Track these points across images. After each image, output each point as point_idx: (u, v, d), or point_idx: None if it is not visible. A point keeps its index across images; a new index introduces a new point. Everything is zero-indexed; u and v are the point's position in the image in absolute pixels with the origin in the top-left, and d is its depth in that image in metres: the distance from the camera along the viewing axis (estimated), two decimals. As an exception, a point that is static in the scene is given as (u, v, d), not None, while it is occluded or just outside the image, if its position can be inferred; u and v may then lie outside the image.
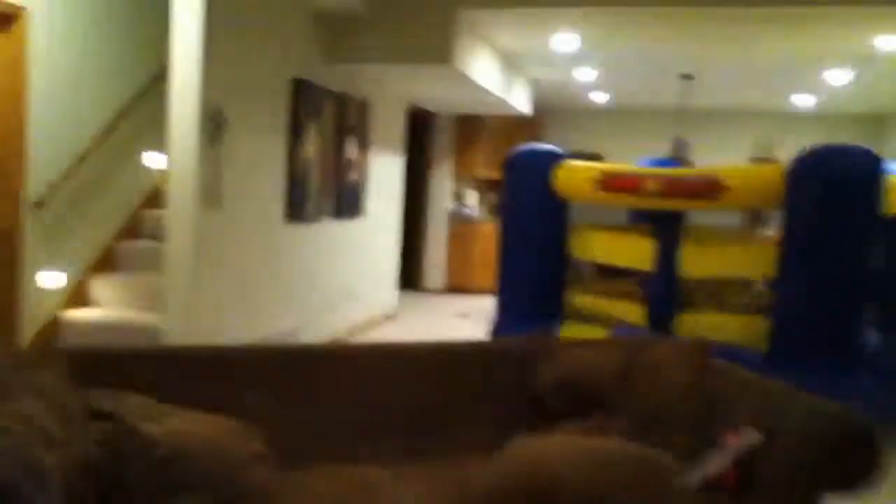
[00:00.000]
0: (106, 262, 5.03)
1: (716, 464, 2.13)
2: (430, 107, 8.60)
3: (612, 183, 4.58)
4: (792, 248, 4.09)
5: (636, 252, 4.73)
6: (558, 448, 2.14)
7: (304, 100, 5.19)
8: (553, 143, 5.64)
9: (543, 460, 2.03)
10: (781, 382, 2.43)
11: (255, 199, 4.75)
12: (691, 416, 2.37)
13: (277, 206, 5.03)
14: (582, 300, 4.99)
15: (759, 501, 2.08)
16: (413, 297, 8.70)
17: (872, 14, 4.82)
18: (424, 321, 7.42)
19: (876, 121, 10.18)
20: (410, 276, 9.17)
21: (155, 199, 5.40)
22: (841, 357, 4.08)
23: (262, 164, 4.81)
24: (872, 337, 4.56)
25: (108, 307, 4.84)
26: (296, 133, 5.13)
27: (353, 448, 2.38)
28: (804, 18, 5.04)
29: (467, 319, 7.34)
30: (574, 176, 4.84)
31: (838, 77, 7.22)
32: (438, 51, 5.38)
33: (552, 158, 4.99)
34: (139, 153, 5.37)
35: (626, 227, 5.11)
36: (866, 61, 6.46)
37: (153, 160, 5.44)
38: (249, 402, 2.35)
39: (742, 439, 2.15)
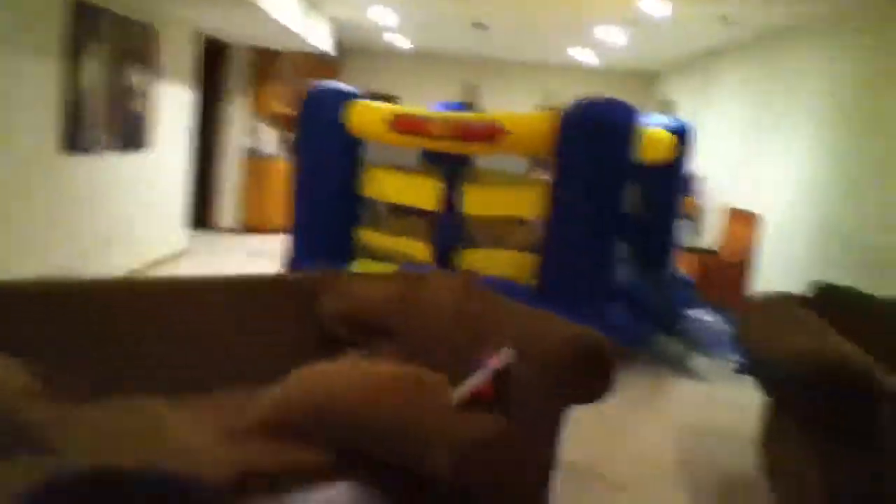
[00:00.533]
0: None
1: (477, 380, 2.39)
2: (225, 38, 8.26)
3: (402, 124, 4.75)
4: (559, 191, 4.51)
5: (424, 192, 4.96)
6: (335, 372, 2.29)
7: (81, 20, 4.81)
8: (354, 85, 5.69)
9: (320, 383, 2.18)
10: (539, 309, 2.75)
11: (24, 127, 4.38)
12: (458, 340, 2.62)
13: (51, 136, 4.68)
14: (373, 238, 5.17)
15: (514, 412, 2.37)
16: (205, 237, 8.45)
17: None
18: (216, 260, 7.28)
19: (648, 77, 11.20)
20: (203, 215, 8.87)
21: None
22: (598, 291, 4.60)
23: (32, 90, 4.43)
24: (626, 273, 5.16)
25: None
26: (72, 56, 4.76)
27: (139, 381, 2.38)
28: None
29: (261, 258, 7.29)
30: (366, 116, 4.95)
31: (612, 35, 7.85)
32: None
33: (346, 97, 5.06)
34: None
35: (415, 168, 5.32)
36: (635, 23, 7.09)
37: None
38: (26, 337, 2.27)
39: (500, 358, 2.43)
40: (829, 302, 3.08)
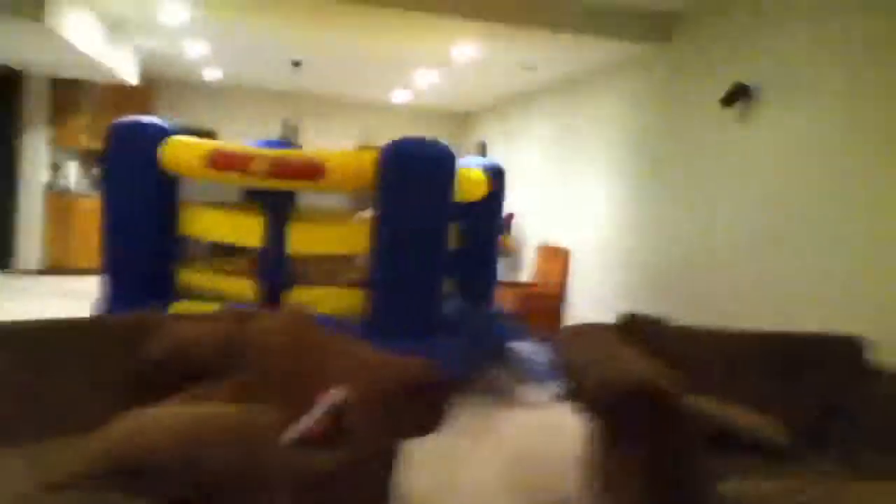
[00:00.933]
0: None
1: (311, 418, 2.39)
2: (20, 66, 7.66)
3: (221, 161, 4.65)
4: (382, 228, 4.60)
5: (246, 230, 4.87)
6: (161, 416, 2.20)
7: None
8: (165, 117, 5.49)
9: (145, 428, 2.09)
10: (369, 346, 2.80)
11: None
12: (291, 378, 2.61)
13: None
14: (193, 278, 4.98)
15: (349, 448, 2.39)
16: (4, 279, 7.72)
17: (449, 24, 5.59)
18: (19, 304, 6.67)
19: (462, 117, 11.71)
20: (2, 255, 8.10)
21: None
22: (426, 323, 4.72)
23: None
24: (453, 305, 5.34)
25: None
26: None
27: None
28: (394, 20, 5.64)
29: (69, 300, 6.77)
30: (183, 152, 4.79)
31: (427, 77, 8.17)
32: (27, 4, 4.88)
33: (159, 132, 4.88)
34: None
35: (236, 204, 5.21)
36: (446, 65, 7.44)
37: None
38: None
39: (333, 395, 2.45)
40: (635, 329, 3.38)
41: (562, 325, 6.51)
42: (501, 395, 5.08)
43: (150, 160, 4.79)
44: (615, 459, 2.83)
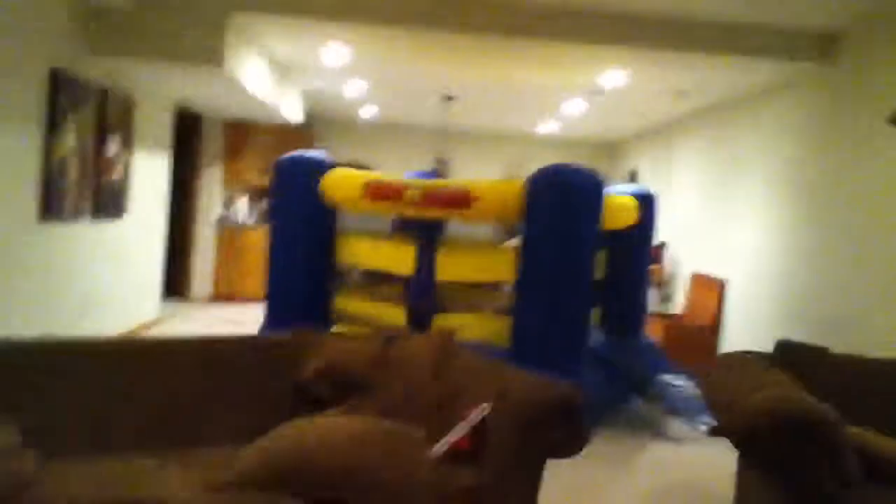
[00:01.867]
0: None
1: (455, 434, 2.46)
2: (200, 109, 8.44)
3: (376, 191, 4.89)
4: (528, 256, 4.65)
5: (399, 258, 5.07)
6: (318, 426, 2.35)
7: (63, 93, 4.94)
8: (324, 153, 5.86)
9: (303, 436, 2.24)
10: (512, 365, 2.84)
11: (4, 195, 4.45)
12: (437, 396, 2.70)
13: (30, 204, 4.73)
14: (348, 304, 5.24)
15: (492, 465, 2.43)
16: (179, 306, 8.45)
17: (597, 52, 5.60)
18: (191, 329, 7.27)
19: (611, 146, 11.60)
20: (177, 284, 8.88)
21: None
22: (571, 353, 4.70)
23: (13, 158, 4.51)
24: (597, 337, 5.28)
25: None
26: (53, 127, 4.86)
27: (120, 439, 2.41)
28: (542, 50, 5.72)
29: (235, 326, 7.31)
30: (341, 183, 5.08)
31: (574, 106, 8.19)
32: (209, 53, 5.36)
33: (320, 165, 5.21)
34: None
35: (388, 234, 5.44)
36: (595, 94, 7.42)
37: None
38: (18, 394, 2.31)
39: (477, 413, 2.51)
40: (791, 358, 3.22)
41: (713, 357, 6.25)
42: (647, 428, 4.94)
43: (312, 192, 5.11)
44: (768, 495, 2.69)
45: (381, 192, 4.91)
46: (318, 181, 5.13)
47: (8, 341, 2.50)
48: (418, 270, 5.01)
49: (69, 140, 5.11)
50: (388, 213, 5.18)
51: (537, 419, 2.39)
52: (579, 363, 4.67)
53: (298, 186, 5.19)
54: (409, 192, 4.80)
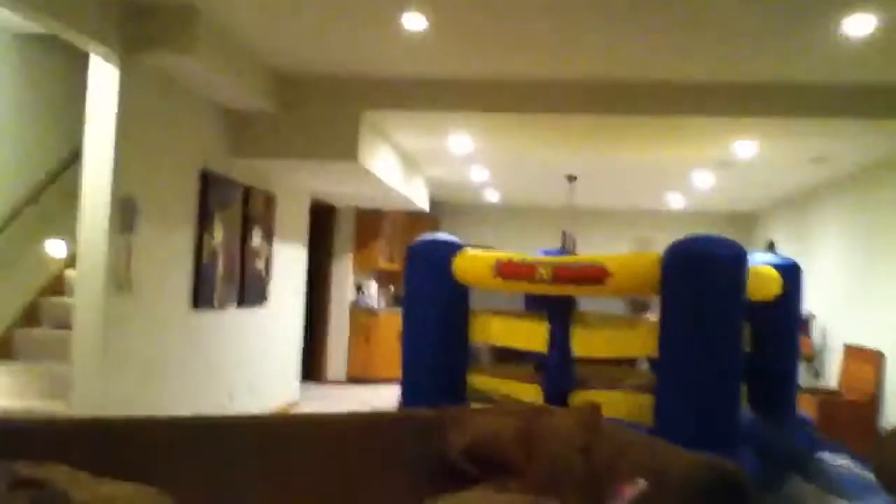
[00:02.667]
0: (3, 350, 4.90)
1: (610, 512, 2.36)
2: (333, 200, 8.87)
3: (508, 270, 4.92)
4: (669, 330, 4.49)
5: (531, 335, 5.04)
6: (474, 501, 2.32)
7: (212, 191, 5.34)
8: (453, 236, 5.99)
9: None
10: (663, 440, 2.73)
11: (163, 286, 4.80)
12: (587, 473, 2.61)
13: (184, 294, 5.08)
14: (482, 382, 5.23)
15: (649, 547, 2.31)
16: (315, 388, 8.70)
17: (725, 123, 5.50)
18: (328, 408, 7.44)
19: (744, 218, 11.22)
20: (312, 367, 9.18)
21: (55, 286, 5.35)
22: (721, 433, 4.45)
23: (170, 252, 4.89)
24: (748, 415, 4.99)
25: (6, 396, 4.69)
26: (203, 223, 5.25)
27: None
28: (672, 126, 5.68)
29: (371, 407, 7.42)
30: (472, 263, 5.15)
31: (703, 179, 8.02)
32: (344, 148, 5.69)
33: (452, 247, 5.31)
34: (42, 240, 5.33)
35: (521, 312, 5.43)
36: (725, 165, 7.25)
37: (55, 247, 5.40)
38: (167, 470, 2.43)
39: (633, 489, 2.41)
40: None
41: (877, 433, 5.75)
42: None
43: (445, 272, 5.21)
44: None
45: (512, 271, 4.93)
46: (449, 262, 5.23)
47: (160, 419, 2.65)
48: (552, 347, 4.95)
49: (217, 234, 5.48)
50: (519, 291, 5.18)
51: (699, 497, 2.27)
52: (731, 443, 4.41)
53: (430, 268, 5.30)
54: (540, 270, 4.80)
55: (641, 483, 2.36)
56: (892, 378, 6.10)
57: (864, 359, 6.54)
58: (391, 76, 5.44)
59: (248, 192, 6.05)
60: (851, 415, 6.20)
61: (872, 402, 6.21)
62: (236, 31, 4.60)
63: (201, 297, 5.24)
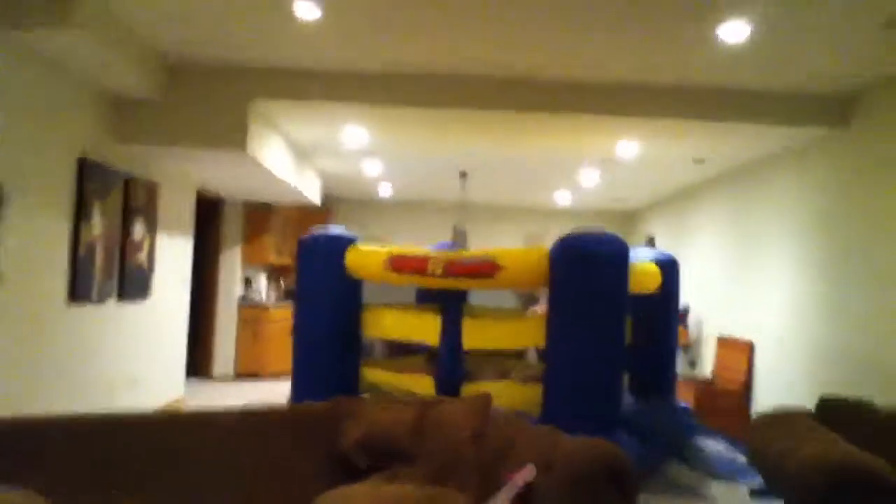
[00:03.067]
0: None
1: (501, 498, 2.42)
2: (220, 192, 8.61)
3: (400, 264, 4.94)
4: (555, 322, 4.64)
5: (424, 329, 5.07)
6: (357, 497, 2.32)
7: (90, 180, 5.07)
8: (345, 229, 5.94)
9: (350, 504, 2.20)
10: (551, 427, 2.81)
11: (36, 279, 4.52)
12: (478, 460, 2.66)
13: (60, 287, 4.81)
14: (375, 375, 5.22)
15: (538, 531, 2.38)
16: (202, 385, 8.42)
17: (612, 123, 5.71)
18: (216, 405, 7.22)
19: (627, 215, 11.68)
20: (199, 363, 8.88)
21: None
22: (603, 418, 4.63)
23: (44, 244, 4.61)
24: (629, 402, 5.21)
25: None
26: (81, 213, 4.98)
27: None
28: (557, 123, 5.83)
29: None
30: (365, 257, 5.14)
31: (590, 177, 8.30)
32: (232, 137, 5.50)
33: (345, 241, 5.28)
34: None
35: (413, 305, 5.46)
36: (610, 164, 7.53)
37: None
38: (52, 471, 2.30)
39: (521, 476, 2.47)
40: (834, 414, 3.17)
41: (751, 417, 6.12)
42: (685, 492, 4.81)
43: (337, 266, 5.17)
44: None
45: (405, 265, 4.95)
46: (342, 256, 5.19)
47: (42, 418, 2.50)
48: (444, 340, 5.00)
49: (96, 225, 5.22)
50: (412, 285, 5.21)
51: (584, 483, 2.35)
52: (613, 428, 4.60)
53: (323, 262, 5.26)
54: (432, 264, 4.84)
55: (531, 469, 2.43)
56: (762, 366, 6.53)
57: (736, 349, 6.96)
58: (283, 65, 5.33)
59: (129, 182, 5.78)
60: (725, 401, 6.58)
61: (744, 390, 6.62)
62: (119, 12, 4.38)
63: (78, 290, 4.97)
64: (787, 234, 6.31)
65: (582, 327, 4.59)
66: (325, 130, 6.56)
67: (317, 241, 5.36)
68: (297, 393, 5.18)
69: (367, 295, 5.44)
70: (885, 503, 2.29)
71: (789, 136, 5.79)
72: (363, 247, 5.26)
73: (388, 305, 5.36)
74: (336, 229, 5.50)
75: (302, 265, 5.39)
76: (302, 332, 5.26)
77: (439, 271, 4.84)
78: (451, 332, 4.97)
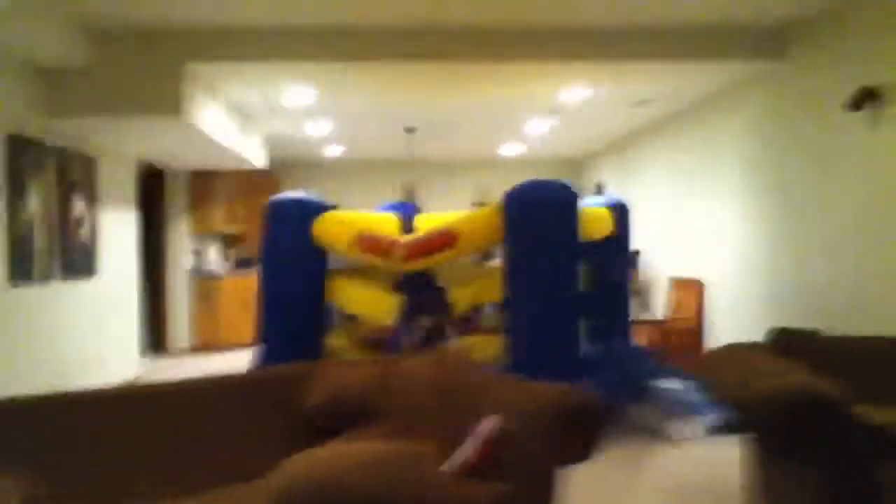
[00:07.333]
0: None
1: (467, 449, 2.42)
2: (162, 162, 8.37)
3: (367, 244, 4.86)
4: (512, 274, 4.65)
5: (383, 307, 5.02)
6: (322, 459, 2.29)
7: (22, 157, 4.87)
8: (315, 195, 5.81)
9: (309, 472, 2.18)
10: (516, 376, 2.82)
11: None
12: (444, 414, 2.66)
13: (0, 269, 4.63)
14: (340, 342, 5.19)
15: (509, 477, 2.39)
16: (159, 360, 8.29)
17: (556, 69, 5.67)
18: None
19: (576, 163, 11.73)
20: (155, 338, 8.73)
21: None
22: (565, 364, 4.69)
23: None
24: (588, 347, 5.28)
25: None
26: (15, 191, 4.79)
27: (138, 485, 2.34)
28: (502, 72, 5.77)
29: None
30: (333, 230, 5.06)
31: (537, 126, 8.27)
32: (167, 104, 5.30)
33: (315, 207, 5.19)
34: None
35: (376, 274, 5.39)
36: (556, 112, 7.51)
37: None
38: (24, 451, 2.24)
39: (486, 427, 2.47)
40: (787, 344, 3.25)
41: (706, 351, 6.28)
42: (647, 432, 4.93)
43: (305, 233, 5.07)
44: (784, 479, 2.69)
45: (371, 246, 4.88)
46: (309, 223, 5.10)
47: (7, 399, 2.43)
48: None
49: (33, 203, 5.02)
50: (376, 265, 5.12)
51: (549, 427, 2.37)
52: (575, 373, 4.66)
53: (291, 227, 5.16)
54: (396, 249, 4.77)
55: (495, 418, 2.43)
56: (713, 304, 6.67)
57: (688, 289, 7.09)
58: (217, 25, 5.13)
59: (65, 156, 5.56)
60: (679, 341, 6.73)
61: (698, 328, 6.77)
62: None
63: (19, 271, 4.80)
64: (730, 170, 6.41)
65: (536, 276, 4.61)
66: (268, 92, 6.39)
67: (284, 205, 5.26)
68: (263, 358, 5.12)
69: (338, 261, 5.36)
70: (841, 428, 2.35)
71: (729, 70, 5.83)
72: (333, 217, 5.16)
73: (355, 275, 5.30)
74: (305, 195, 5.40)
75: (269, 230, 5.27)
76: (267, 296, 5.17)
77: (403, 255, 4.76)
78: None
